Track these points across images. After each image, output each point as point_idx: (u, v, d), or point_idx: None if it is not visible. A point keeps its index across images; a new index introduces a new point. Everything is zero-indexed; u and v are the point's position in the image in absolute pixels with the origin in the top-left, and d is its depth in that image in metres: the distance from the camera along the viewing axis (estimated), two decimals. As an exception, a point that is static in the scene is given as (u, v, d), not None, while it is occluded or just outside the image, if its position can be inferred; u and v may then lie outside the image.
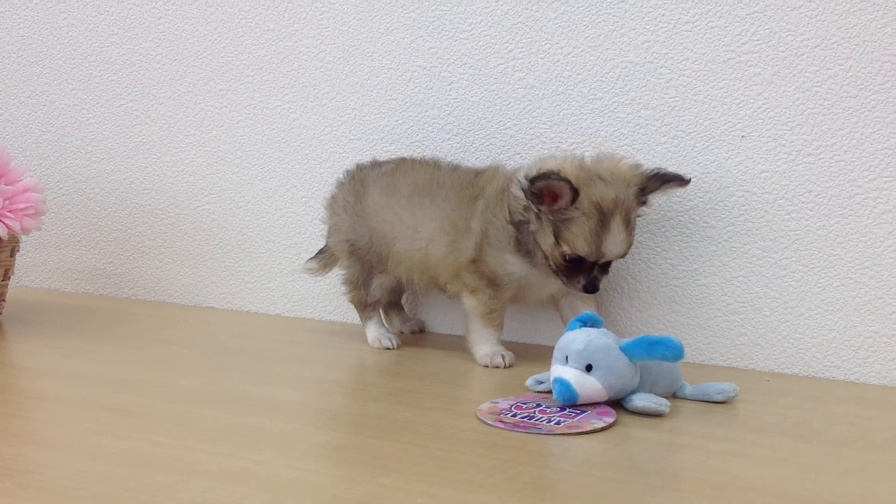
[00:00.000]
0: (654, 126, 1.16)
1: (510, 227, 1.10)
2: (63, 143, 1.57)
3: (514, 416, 0.90)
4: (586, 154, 1.10)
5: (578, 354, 0.92)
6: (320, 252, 1.29)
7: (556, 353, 0.95)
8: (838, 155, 1.07)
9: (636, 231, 1.08)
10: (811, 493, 0.73)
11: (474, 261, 1.12)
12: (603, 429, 0.88)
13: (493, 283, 1.12)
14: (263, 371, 1.11)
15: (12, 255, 1.33)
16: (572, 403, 0.92)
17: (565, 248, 1.05)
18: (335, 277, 1.34)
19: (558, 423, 0.88)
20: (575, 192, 1.03)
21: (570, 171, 1.04)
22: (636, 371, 0.93)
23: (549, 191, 1.04)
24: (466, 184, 1.15)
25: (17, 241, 1.34)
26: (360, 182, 1.23)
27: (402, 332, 1.29)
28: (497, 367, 1.10)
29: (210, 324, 1.38)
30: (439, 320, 1.32)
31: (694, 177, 1.11)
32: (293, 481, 0.74)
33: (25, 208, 1.27)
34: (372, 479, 0.75)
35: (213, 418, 0.91)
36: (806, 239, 1.09)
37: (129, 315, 1.42)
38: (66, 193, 1.57)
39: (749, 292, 1.12)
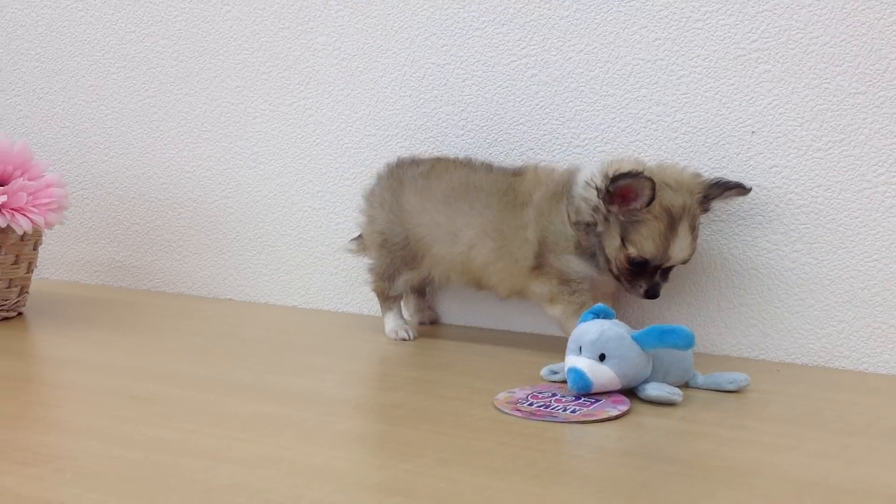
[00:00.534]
0: (665, 122, 1.18)
1: (570, 231, 1.10)
2: (82, 138, 1.58)
3: (531, 405, 0.93)
4: (648, 162, 1.10)
5: (592, 344, 0.95)
6: (359, 236, 1.30)
7: (569, 344, 0.97)
8: (847, 150, 1.09)
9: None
10: (820, 479, 0.75)
11: (537, 268, 1.13)
12: (617, 417, 0.90)
13: (567, 281, 1.12)
14: (283, 361, 1.13)
15: (35, 248, 1.35)
16: (587, 392, 0.94)
17: (631, 251, 1.06)
18: (351, 270, 1.36)
19: (574, 411, 0.90)
20: (654, 194, 1.03)
21: (649, 174, 1.04)
22: (648, 360, 0.95)
23: (627, 191, 1.04)
24: (506, 188, 1.15)
25: (40, 235, 1.36)
26: (397, 180, 1.23)
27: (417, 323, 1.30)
28: None
29: (228, 315, 1.40)
30: (454, 311, 1.34)
31: (705, 172, 1.13)
32: (318, 467, 0.76)
33: (48, 203, 1.29)
34: (394, 464, 0.77)
35: (236, 407, 0.93)
36: (816, 232, 1.11)
37: (148, 307, 1.44)
38: (86, 188, 1.59)
39: (760, 285, 1.14)
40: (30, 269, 1.35)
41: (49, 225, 1.30)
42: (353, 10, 1.35)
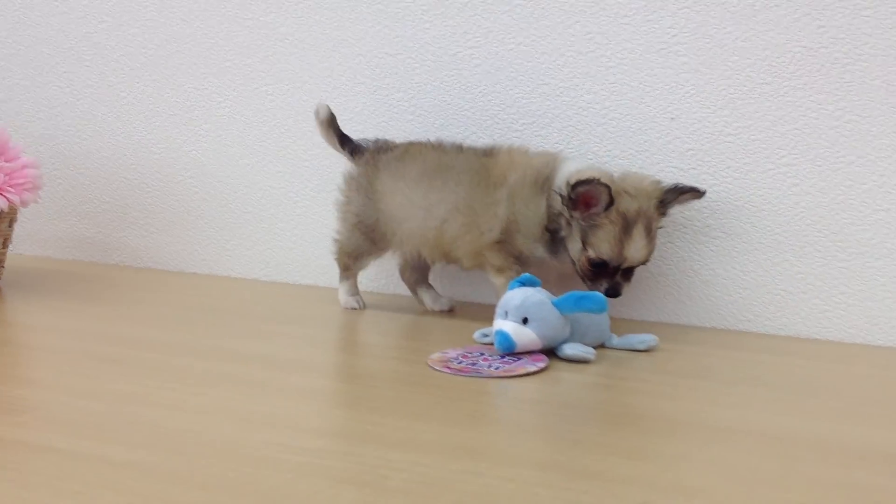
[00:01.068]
0: (594, 109, 1.27)
1: (543, 219, 1.15)
2: (56, 122, 1.63)
3: (460, 363, 1.01)
4: (613, 171, 1.16)
5: (516, 309, 1.04)
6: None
7: (497, 310, 1.07)
8: (754, 135, 1.18)
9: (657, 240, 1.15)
10: (699, 420, 0.85)
11: (500, 242, 1.18)
12: (535, 372, 0.99)
13: (520, 260, 1.19)
14: (240, 327, 1.20)
15: (10, 225, 1.41)
16: (511, 352, 1.04)
17: (591, 252, 1.12)
18: (309, 246, 1.44)
19: (497, 368, 0.99)
20: (611, 199, 1.09)
21: (607, 181, 1.10)
22: (566, 323, 1.05)
23: (587, 196, 1.09)
24: (478, 168, 1.20)
25: (16, 213, 1.42)
26: (373, 166, 1.27)
27: (433, 310, 1.31)
28: None
29: (192, 287, 1.46)
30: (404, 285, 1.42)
31: (628, 155, 1.23)
32: (263, 415, 0.85)
33: (24, 183, 1.35)
34: (329, 412, 0.87)
35: (194, 366, 1.01)
36: (725, 209, 1.20)
37: (116, 280, 1.49)
38: (59, 169, 1.63)
39: (675, 256, 1.24)
40: (5, 245, 1.42)
41: (24, 204, 1.36)
42: (311, 2, 1.42)
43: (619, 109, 1.26)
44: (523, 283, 1.09)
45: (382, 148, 1.29)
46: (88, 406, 0.87)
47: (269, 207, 1.50)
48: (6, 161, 1.36)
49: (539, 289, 1.07)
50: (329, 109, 1.30)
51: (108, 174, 1.61)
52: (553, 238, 1.17)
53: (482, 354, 1.05)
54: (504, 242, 1.19)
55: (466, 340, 1.13)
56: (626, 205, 1.10)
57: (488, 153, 1.22)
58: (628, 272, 1.15)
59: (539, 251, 1.18)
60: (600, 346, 1.09)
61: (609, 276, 1.14)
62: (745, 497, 0.68)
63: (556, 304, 1.04)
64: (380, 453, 0.75)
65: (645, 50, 1.23)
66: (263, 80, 1.48)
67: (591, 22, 1.26)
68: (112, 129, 1.60)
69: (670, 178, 1.22)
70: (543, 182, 1.16)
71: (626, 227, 1.11)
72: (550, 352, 1.06)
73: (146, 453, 0.74)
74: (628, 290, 1.18)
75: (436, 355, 1.05)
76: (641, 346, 1.09)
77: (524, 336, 1.03)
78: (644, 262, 1.15)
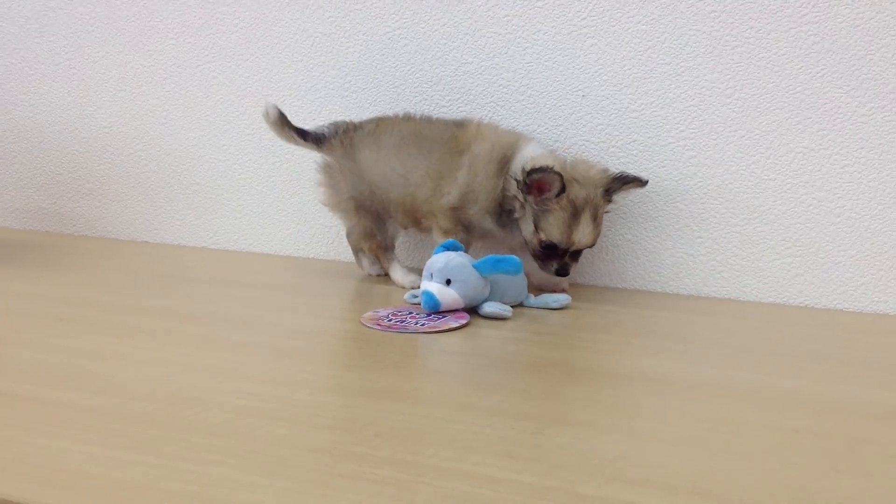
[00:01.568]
0: (514, 87, 1.36)
1: (497, 195, 1.20)
2: (10, 97, 1.67)
3: (390, 321, 1.11)
4: (567, 158, 1.23)
5: (440, 271, 1.14)
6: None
7: (424, 272, 1.16)
8: (656, 111, 1.29)
9: (602, 225, 1.21)
10: (596, 367, 0.96)
11: (454, 208, 1.24)
12: (457, 328, 1.08)
13: (468, 229, 1.25)
14: (188, 290, 1.28)
15: None
16: (436, 310, 1.13)
17: (542, 236, 1.18)
18: (253, 215, 1.51)
19: (423, 324, 1.09)
20: (563, 187, 1.14)
21: (560, 169, 1.15)
22: (486, 284, 1.15)
23: (541, 183, 1.15)
24: (449, 137, 1.25)
25: None
26: (349, 146, 1.30)
27: (370, 274, 1.37)
28: None
29: (143, 255, 1.52)
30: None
31: (544, 129, 1.33)
32: (206, 366, 0.94)
33: (-21, 156, 1.43)
34: (268, 364, 0.96)
35: (144, 325, 1.08)
36: (632, 179, 1.31)
37: (72, 248, 1.55)
38: (13, 142, 1.69)
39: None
40: (-36, 215, 1.49)
41: (-20, 176, 1.44)
42: (250, -17, 1.48)
43: (535, 87, 1.34)
44: (447, 248, 1.19)
45: (350, 128, 1.32)
46: (44, 359, 0.95)
47: (214, 178, 1.57)
48: (-38, 136, 1.42)
49: (461, 252, 1.17)
50: (277, 109, 1.31)
51: (61, 147, 1.66)
52: (504, 214, 1.23)
53: (410, 313, 1.15)
54: (457, 209, 1.24)
55: (398, 301, 1.22)
56: (576, 192, 1.16)
57: (459, 124, 1.28)
58: (576, 254, 1.21)
59: (488, 223, 1.24)
60: (518, 305, 1.19)
61: (559, 257, 1.20)
62: (625, 427, 0.80)
63: (476, 267, 1.14)
64: (312, 397, 0.86)
65: (558, 32, 1.32)
66: (206, 57, 1.53)
67: (508, 5, 1.34)
68: (64, 104, 1.65)
69: (581, 151, 1.32)
70: (504, 163, 1.21)
71: (575, 214, 1.17)
72: (472, 310, 1.15)
73: (104, 399, 0.84)
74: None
75: (368, 314, 1.14)
76: (555, 305, 1.19)
77: (448, 296, 1.13)
78: (590, 246, 1.21)
